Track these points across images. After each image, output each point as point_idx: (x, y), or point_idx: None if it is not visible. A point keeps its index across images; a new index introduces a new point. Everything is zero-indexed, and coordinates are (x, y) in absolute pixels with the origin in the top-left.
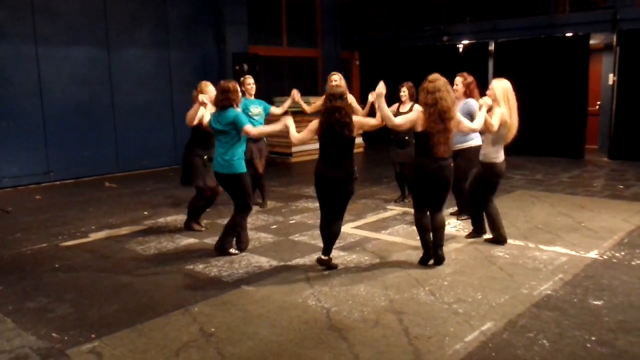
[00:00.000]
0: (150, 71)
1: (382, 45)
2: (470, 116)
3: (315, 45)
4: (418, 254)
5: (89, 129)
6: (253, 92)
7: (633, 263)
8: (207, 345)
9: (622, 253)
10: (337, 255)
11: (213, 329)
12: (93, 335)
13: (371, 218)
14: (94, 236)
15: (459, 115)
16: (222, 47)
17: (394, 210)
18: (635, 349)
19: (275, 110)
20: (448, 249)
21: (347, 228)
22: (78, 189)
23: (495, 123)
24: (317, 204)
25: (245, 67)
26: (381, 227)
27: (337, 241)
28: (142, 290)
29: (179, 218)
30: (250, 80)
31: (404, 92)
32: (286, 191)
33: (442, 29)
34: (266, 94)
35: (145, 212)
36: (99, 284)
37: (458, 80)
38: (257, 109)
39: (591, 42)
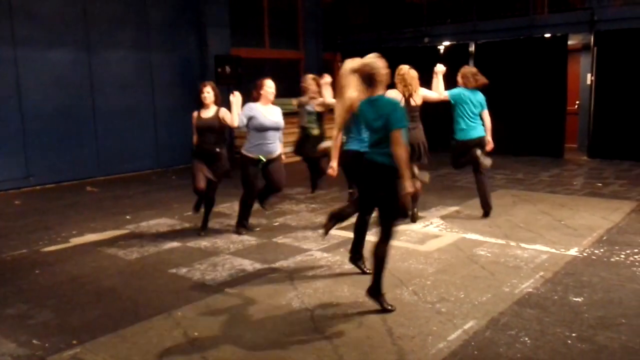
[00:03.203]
0: (131, 74)
1: (364, 46)
2: None
3: (298, 47)
4: (401, 254)
5: (70, 132)
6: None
7: (612, 260)
8: (190, 349)
9: (602, 250)
10: (320, 257)
11: (196, 333)
12: (75, 342)
13: (354, 219)
14: (75, 241)
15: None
16: (204, 49)
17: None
18: (615, 344)
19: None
20: (430, 248)
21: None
22: (59, 193)
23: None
24: (301, 206)
25: (228, 69)
26: None
27: (321, 242)
28: (124, 295)
29: (162, 222)
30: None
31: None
32: None
33: (423, 30)
34: (248, 96)
35: (128, 216)
36: (80, 290)
37: None
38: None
39: (569, 42)
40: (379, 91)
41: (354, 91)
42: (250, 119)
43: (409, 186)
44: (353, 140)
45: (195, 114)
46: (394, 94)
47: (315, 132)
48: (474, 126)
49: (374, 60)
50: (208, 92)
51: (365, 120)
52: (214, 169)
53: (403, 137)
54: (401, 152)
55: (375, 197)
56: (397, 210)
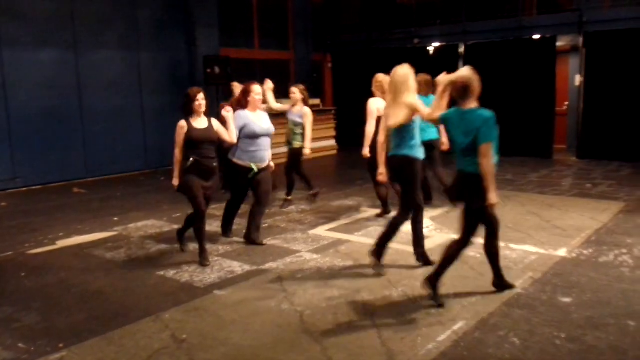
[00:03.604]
0: (119, 74)
1: (354, 47)
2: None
3: (288, 48)
4: (391, 255)
5: (57, 133)
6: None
7: (600, 260)
8: (179, 352)
9: (590, 250)
10: (310, 258)
11: (185, 336)
12: (61, 345)
13: (344, 220)
14: (62, 243)
15: None
16: (193, 49)
17: (368, 212)
18: (603, 344)
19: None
20: None
21: (320, 230)
22: (45, 195)
23: None
24: (290, 207)
25: (217, 69)
26: (354, 229)
27: (310, 243)
28: (112, 297)
29: (150, 223)
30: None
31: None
32: None
33: (413, 31)
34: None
35: (116, 218)
36: (67, 292)
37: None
38: None
39: (558, 44)
40: (472, 104)
41: (413, 96)
42: (242, 128)
43: (493, 198)
44: (403, 145)
45: (183, 123)
46: (375, 102)
47: None
48: (424, 127)
49: (469, 73)
50: (203, 100)
51: (452, 131)
52: (210, 185)
53: (491, 151)
54: (487, 164)
55: (470, 207)
56: (488, 218)
